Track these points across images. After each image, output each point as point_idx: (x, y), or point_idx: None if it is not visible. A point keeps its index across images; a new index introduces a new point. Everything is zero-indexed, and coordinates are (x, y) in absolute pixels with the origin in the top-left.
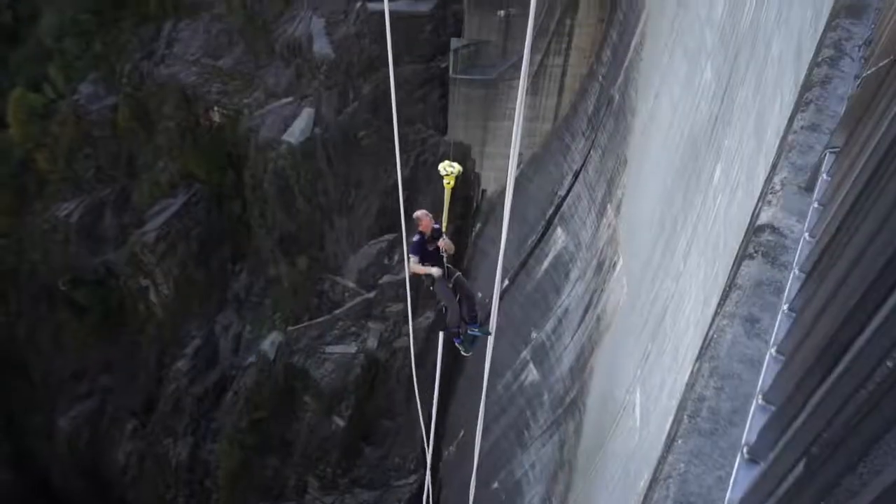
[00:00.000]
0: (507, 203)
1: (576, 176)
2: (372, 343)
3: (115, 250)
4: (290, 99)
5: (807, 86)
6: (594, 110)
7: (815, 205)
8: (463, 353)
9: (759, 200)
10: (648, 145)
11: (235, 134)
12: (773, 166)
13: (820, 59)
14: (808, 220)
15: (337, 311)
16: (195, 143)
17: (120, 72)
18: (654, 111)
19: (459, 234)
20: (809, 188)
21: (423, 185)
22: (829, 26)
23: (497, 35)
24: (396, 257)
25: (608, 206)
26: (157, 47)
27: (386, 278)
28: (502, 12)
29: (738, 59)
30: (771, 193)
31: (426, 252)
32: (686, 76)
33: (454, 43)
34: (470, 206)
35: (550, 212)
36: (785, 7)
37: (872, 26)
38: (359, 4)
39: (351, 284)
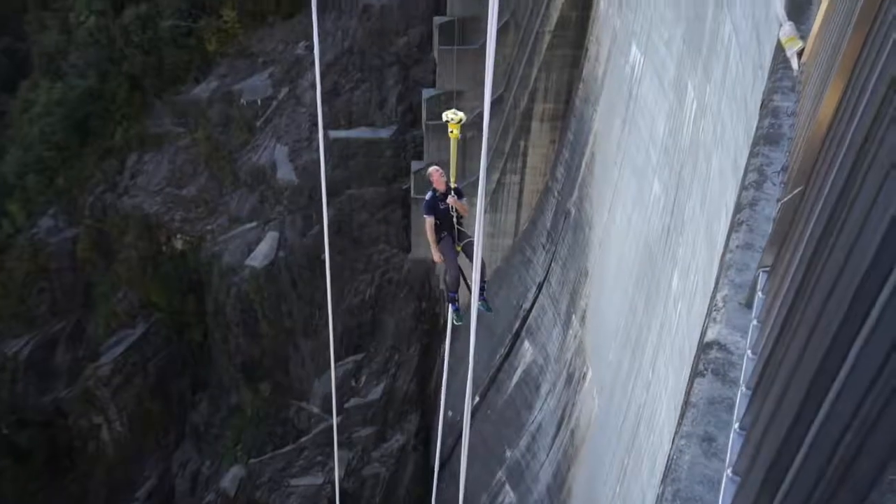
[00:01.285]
0: (472, 316)
1: (539, 288)
2: (339, 472)
3: (66, 387)
4: (253, 224)
5: (738, 207)
6: (552, 224)
7: (755, 322)
8: (454, 321)
9: (706, 317)
10: (607, 256)
11: (198, 260)
12: (716, 283)
13: (747, 182)
14: (749, 336)
15: (302, 440)
16: (156, 271)
17: (82, 204)
18: (609, 224)
19: (426, 352)
20: (749, 305)
21: (388, 303)
22: (752, 152)
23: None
24: (363, 379)
25: (573, 316)
26: (120, 179)
27: (353, 402)
28: (483, 283)
29: (682, 174)
30: (715, 310)
31: (438, 210)
32: (636, 190)
33: (415, 165)
34: (436, 323)
35: (517, 325)
36: (719, 129)
37: (787, 153)
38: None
39: (316, 410)
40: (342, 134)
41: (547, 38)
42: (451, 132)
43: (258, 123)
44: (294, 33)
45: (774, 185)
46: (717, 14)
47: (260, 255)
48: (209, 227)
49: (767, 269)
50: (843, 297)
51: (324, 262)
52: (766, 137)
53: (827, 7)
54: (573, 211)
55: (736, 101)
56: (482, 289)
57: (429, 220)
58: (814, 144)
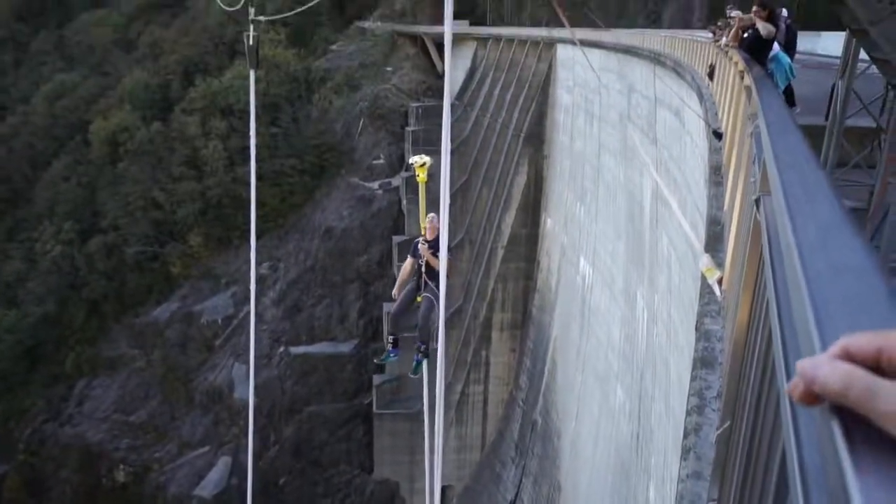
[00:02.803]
0: None
1: None
2: None
3: None
4: (206, 448)
5: (685, 432)
6: (520, 436)
7: None
8: (377, 360)
9: None
10: (579, 468)
11: (141, 492)
12: None
13: (689, 407)
14: None
15: None
16: None
17: (18, 437)
18: (577, 433)
19: None
20: None
21: None
22: (692, 375)
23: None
24: None
25: None
26: (65, 407)
27: None
28: (424, 345)
29: (644, 380)
30: None
31: (416, 254)
32: (601, 397)
33: (377, 379)
34: None
35: None
36: (672, 334)
37: (720, 379)
38: (281, 349)
39: None
40: (302, 350)
41: (500, 252)
42: (418, 175)
43: (217, 342)
44: (258, 255)
45: (714, 410)
46: (654, 231)
47: (210, 484)
48: (157, 455)
49: (715, 502)
50: None
51: (282, 486)
52: (701, 360)
53: (734, 239)
54: (540, 420)
55: (683, 308)
56: (421, 350)
57: (408, 261)
58: (734, 376)
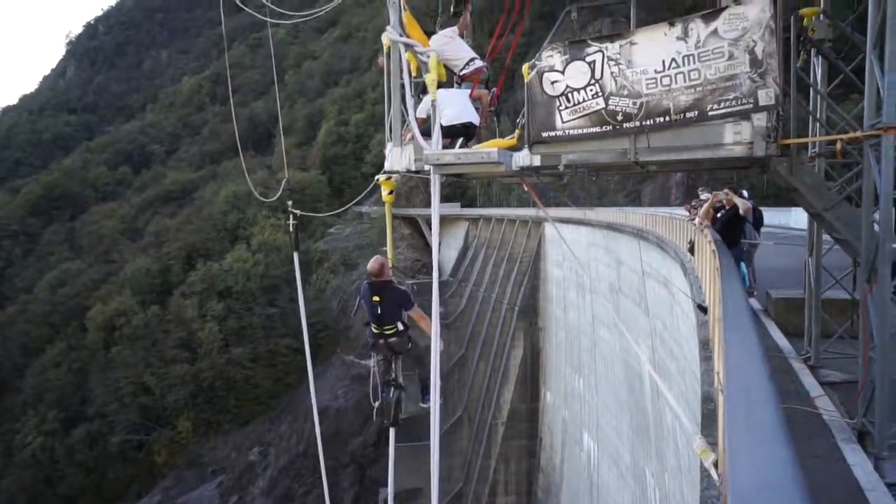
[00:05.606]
0: None
1: None
2: None
3: None
4: None
5: None
6: None
7: None
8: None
9: None
10: None
11: None
12: None
13: None
14: None
15: None
16: None
17: None
18: None
19: None
20: None
21: None
22: None
23: None
24: None
25: None
26: None
27: None
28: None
29: None
30: None
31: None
32: None
33: None
34: None
35: None
36: None
37: None
38: None
39: None
40: None
41: (501, 429)
42: (385, 198)
43: None
44: (248, 440)
45: None
46: (655, 403)
47: None
48: None
49: None
50: None
51: None
52: None
53: (721, 421)
54: None
55: (695, 487)
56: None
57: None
58: None
